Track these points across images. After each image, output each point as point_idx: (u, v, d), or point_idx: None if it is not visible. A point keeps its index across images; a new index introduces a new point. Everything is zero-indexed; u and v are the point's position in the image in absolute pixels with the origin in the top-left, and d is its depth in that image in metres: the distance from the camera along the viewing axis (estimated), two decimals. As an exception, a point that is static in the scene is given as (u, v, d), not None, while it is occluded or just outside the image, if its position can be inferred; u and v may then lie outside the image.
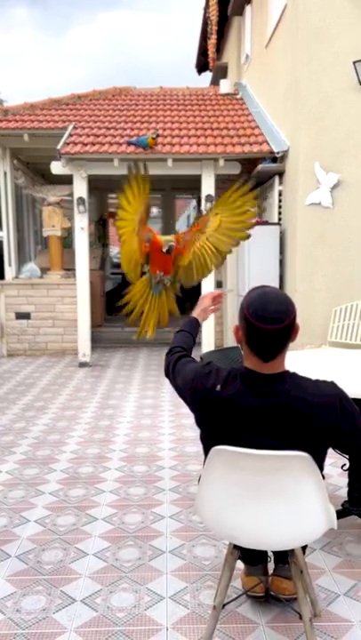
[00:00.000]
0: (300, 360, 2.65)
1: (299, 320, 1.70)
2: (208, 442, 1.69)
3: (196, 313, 2.14)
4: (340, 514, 2.56)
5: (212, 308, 2.17)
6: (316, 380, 1.63)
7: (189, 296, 12.16)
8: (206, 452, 1.70)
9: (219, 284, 7.47)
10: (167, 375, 1.89)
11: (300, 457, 1.50)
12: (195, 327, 2.09)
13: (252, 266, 6.06)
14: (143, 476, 3.30)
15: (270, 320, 1.54)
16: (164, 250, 2.53)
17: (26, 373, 6.25)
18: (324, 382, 1.63)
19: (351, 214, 5.45)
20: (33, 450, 3.79)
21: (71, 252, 7.24)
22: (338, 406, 1.56)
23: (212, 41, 10.56)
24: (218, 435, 1.64)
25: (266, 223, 6.25)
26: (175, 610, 2.05)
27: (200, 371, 1.70)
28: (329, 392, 1.59)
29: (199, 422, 1.72)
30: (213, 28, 10.21)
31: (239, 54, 9.87)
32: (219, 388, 1.61)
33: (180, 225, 14.83)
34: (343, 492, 2.94)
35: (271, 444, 1.57)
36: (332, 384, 1.63)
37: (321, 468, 1.69)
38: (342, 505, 2.63)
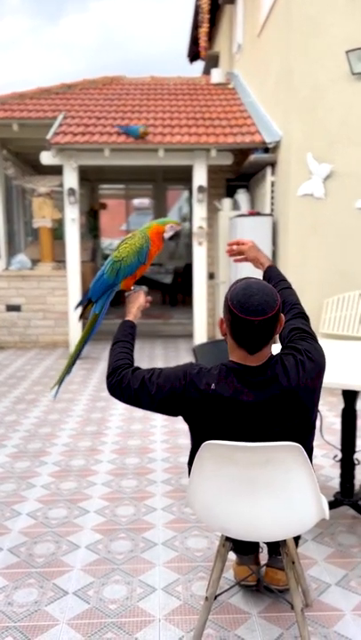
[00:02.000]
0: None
1: None
2: (200, 437, 1.67)
3: (132, 314, 1.97)
4: (333, 504, 2.57)
5: (146, 304, 2.02)
6: (295, 357, 1.64)
7: (181, 287, 12.05)
8: (195, 444, 1.69)
9: (211, 276, 7.46)
10: (133, 395, 1.68)
11: (291, 447, 1.50)
12: (133, 333, 1.92)
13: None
14: (135, 469, 3.30)
15: (255, 312, 1.53)
16: (168, 236, 2.08)
17: (17, 366, 6.21)
18: (299, 355, 1.65)
19: (343, 205, 5.44)
20: (24, 443, 3.77)
21: (62, 244, 7.18)
22: (317, 369, 1.64)
23: (204, 29, 10.46)
24: (209, 428, 1.62)
25: (258, 214, 6.23)
26: (167, 601, 2.06)
27: (190, 371, 1.64)
28: (308, 366, 1.63)
29: (188, 419, 1.68)
30: (205, 16, 10.11)
31: (231, 43, 9.79)
32: (214, 386, 1.58)
33: (172, 216, 14.77)
34: (335, 483, 2.95)
35: (266, 429, 1.58)
36: (305, 354, 1.65)
37: (310, 451, 1.70)
38: (334, 496, 2.64)
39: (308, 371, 1.61)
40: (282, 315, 1.66)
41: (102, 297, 2.05)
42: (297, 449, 1.49)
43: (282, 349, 1.70)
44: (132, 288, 2.02)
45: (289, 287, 2.00)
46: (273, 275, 2.06)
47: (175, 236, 2.18)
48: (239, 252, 2.20)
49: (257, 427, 1.59)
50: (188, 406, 1.63)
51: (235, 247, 2.20)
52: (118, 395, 1.73)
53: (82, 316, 2.16)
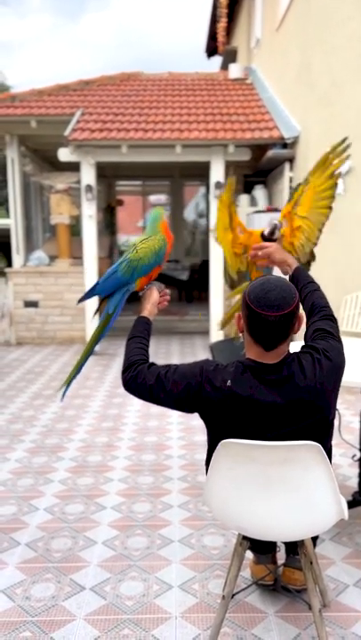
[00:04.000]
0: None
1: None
2: (215, 434, 1.67)
3: (146, 310, 1.93)
4: (351, 504, 2.54)
5: (161, 300, 1.98)
6: (312, 356, 1.62)
7: (197, 283, 12.02)
8: (212, 442, 1.68)
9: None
10: (149, 391, 1.69)
11: (310, 446, 1.48)
12: (147, 329, 1.89)
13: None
14: (152, 465, 3.30)
15: (271, 307, 1.53)
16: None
17: (34, 362, 6.26)
18: (317, 354, 1.63)
19: (362, 201, 5.36)
20: (42, 438, 3.80)
21: (79, 240, 7.21)
22: (335, 369, 1.62)
23: (222, 24, 10.40)
24: (226, 426, 1.61)
25: (276, 210, 6.18)
26: (184, 599, 2.05)
27: (206, 368, 1.63)
28: (325, 364, 1.60)
29: (205, 417, 1.67)
30: (223, 10, 10.04)
31: (249, 38, 9.72)
32: (230, 383, 1.58)
33: (189, 213, 14.74)
34: (353, 482, 2.92)
35: (282, 427, 1.57)
36: (323, 353, 1.63)
37: (329, 451, 1.68)
38: (353, 495, 2.61)
39: (326, 370, 1.59)
40: (302, 312, 1.65)
41: (115, 297, 2.01)
42: (316, 448, 1.48)
43: (301, 348, 1.68)
44: (145, 287, 2.00)
45: (318, 289, 1.93)
46: (301, 277, 1.99)
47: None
48: (265, 256, 2.13)
49: (273, 425, 1.57)
50: (204, 403, 1.62)
51: (260, 253, 2.13)
52: (133, 390, 1.73)
53: (97, 312, 2.13)
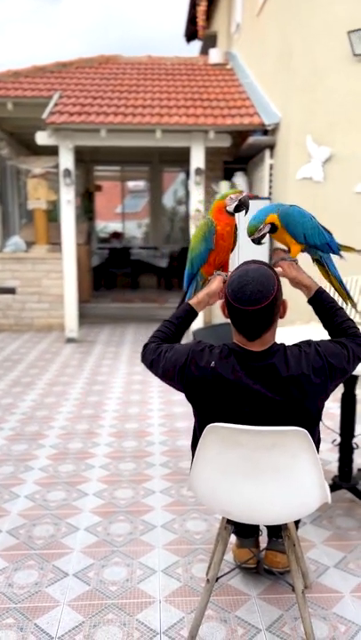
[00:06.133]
0: (290, 335, 2.63)
1: (288, 296, 1.67)
2: (201, 417, 1.67)
3: (196, 298, 1.86)
4: (331, 488, 2.58)
5: (221, 293, 1.86)
6: (300, 348, 1.62)
7: (177, 271, 11.97)
8: (199, 426, 1.69)
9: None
10: (150, 366, 1.75)
11: (297, 432, 1.50)
12: (182, 315, 1.84)
13: (242, 241, 6.00)
14: (133, 452, 3.30)
15: (247, 301, 1.53)
16: (232, 209, 1.88)
17: (12, 349, 6.18)
18: (307, 347, 1.62)
19: (343, 189, 5.39)
20: (21, 426, 3.76)
21: (57, 226, 7.10)
22: (327, 367, 1.59)
23: (202, 8, 10.27)
24: (212, 409, 1.62)
25: (256, 198, 6.17)
26: (168, 583, 2.07)
27: (194, 348, 1.66)
28: (313, 358, 1.59)
29: (192, 399, 1.69)
30: (203, -6, 9.91)
31: (229, 23, 9.62)
32: (213, 364, 1.60)
33: (168, 199, 14.65)
34: (333, 467, 2.97)
35: (265, 414, 1.57)
36: (314, 347, 1.62)
37: (318, 439, 1.70)
38: (333, 479, 2.66)
39: (313, 363, 1.58)
40: (285, 300, 1.65)
41: (189, 290, 2.05)
42: (303, 434, 1.49)
43: (294, 344, 1.68)
44: (214, 274, 1.94)
45: (340, 308, 1.81)
46: (324, 301, 1.81)
47: (242, 207, 1.87)
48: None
49: (258, 412, 1.58)
50: (189, 382, 1.64)
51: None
52: (144, 363, 1.78)
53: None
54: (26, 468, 3.07)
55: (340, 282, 2.05)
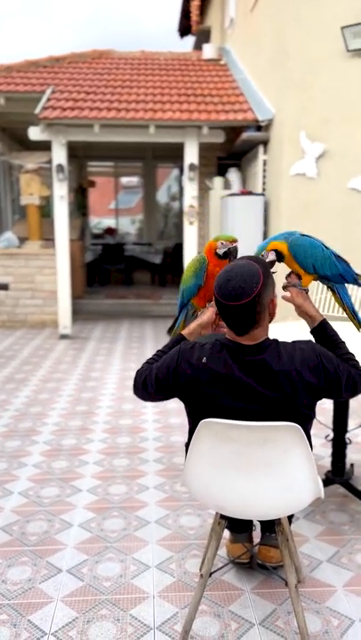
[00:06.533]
0: (282, 332, 2.64)
1: (280, 293, 1.69)
2: (195, 418, 1.67)
3: (187, 328, 1.86)
4: (324, 483, 2.59)
5: (217, 318, 1.85)
6: (294, 344, 1.64)
7: (170, 267, 11.95)
8: (193, 425, 1.69)
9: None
10: (142, 386, 1.72)
11: (290, 427, 1.50)
12: (173, 345, 1.82)
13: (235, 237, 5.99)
14: (127, 448, 3.30)
15: (229, 297, 1.55)
16: (221, 252, 1.94)
17: (5, 345, 6.15)
18: (304, 344, 1.64)
19: (336, 185, 5.40)
20: (15, 422, 3.75)
21: (50, 222, 7.07)
22: (321, 366, 1.59)
23: (196, 2, 10.23)
24: (205, 407, 1.62)
25: (250, 193, 6.18)
26: (161, 578, 2.07)
27: (183, 348, 1.68)
28: (308, 355, 1.60)
29: (186, 400, 1.69)
30: (197, -11, 9.87)
31: (223, 18, 9.60)
32: (205, 360, 1.61)
33: (162, 195, 14.62)
34: (325, 462, 2.98)
35: (258, 409, 1.58)
36: (311, 345, 1.64)
37: (308, 435, 1.70)
38: (325, 474, 2.67)
39: (307, 359, 1.59)
40: (273, 299, 1.66)
41: (180, 317, 2.12)
42: (296, 429, 1.49)
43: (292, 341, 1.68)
44: (207, 305, 1.98)
45: (343, 342, 1.80)
46: (328, 332, 1.80)
47: (230, 255, 1.93)
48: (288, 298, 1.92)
49: (251, 407, 1.59)
50: (182, 382, 1.64)
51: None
52: (136, 389, 1.76)
53: (169, 332, 2.25)
54: (19, 464, 3.06)
55: (353, 311, 2.01)
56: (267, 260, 1.85)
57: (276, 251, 1.88)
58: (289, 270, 1.95)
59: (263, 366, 1.57)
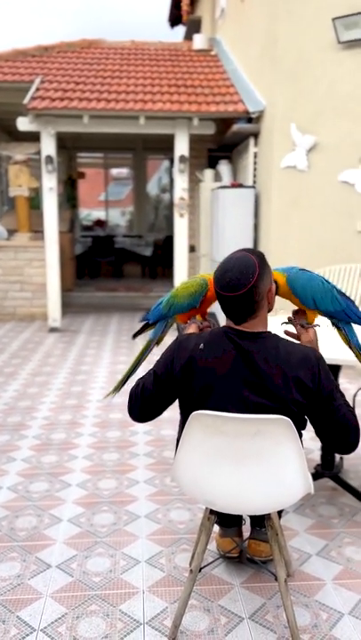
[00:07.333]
0: (272, 324, 2.63)
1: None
2: (188, 405, 1.68)
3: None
4: (313, 476, 2.60)
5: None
6: (295, 344, 1.67)
7: (161, 259, 11.92)
8: (184, 416, 1.69)
9: (192, 249, 7.39)
10: (142, 393, 1.74)
11: (281, 420, 1.50)
12: None
13: (226, 230, 5.99)
14: (117, 442, 3.29)
15: (226, 287, 1.59)
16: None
17: (-6, 338, 6.10)
18: (307, 348, 1.67)
19: (327, 178, 5.39)
20: (3, 416, 3.72)
21: (39, 214, 7.00)
22: (317, 369, 1.60)
23: (186, -8, 10.11)
24: (198, 390, 1.63)
25: (241, 186, 6.15)
26: (151, 573, 2.06)
27: (180, 338, 1.70)
28: (307, 353, 1.62)
29: (183, 392, 1.69)
30: (187, -22, 9.76)
31: (214, 8, 9.51)
32: (202, 346, 1.63)
33: (152, 187, 14.53)
34: (315, 456, 2.99)
35: (250, 395, 1.59)
36: (312, 349, 1.67)
37: (300, 434, 1.70)
38: (315, 468, 2.68)
39: (304, 358, 1.59)
40: (271, 287, 1.69)
41: (157, 326, 2.10)
42: (286, 422, 1.49)
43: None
44: (188, 322, 1.99)
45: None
46: None
47: None
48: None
49: (243, 392, 1.59)
50: (179, 369, 1.64)
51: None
52: (130, 407, 1.80)
53: (135, 336, 2.20)
54: (8, 459, 3.04)
55: (360, 348, 1.95)
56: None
57: (276, 283, 1.85)
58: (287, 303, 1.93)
59: (259, 352, 1.59)
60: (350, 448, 1.66)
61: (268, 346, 1.61)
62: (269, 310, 1.70)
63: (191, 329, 1.91)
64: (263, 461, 1.54)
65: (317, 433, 1.70)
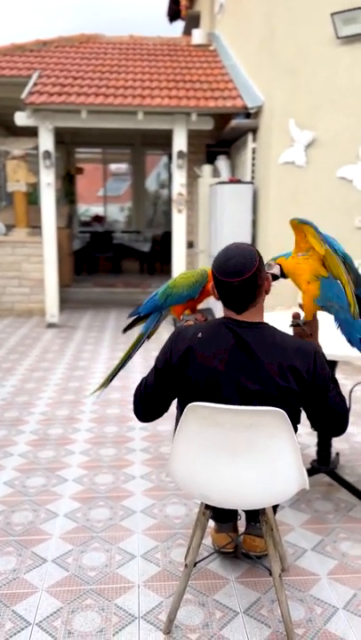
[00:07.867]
0: (270, 321, 2.63)
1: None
2: (185, 395, 1.69)
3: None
4: (309, 472, 2.61)
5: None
6: (294, 337, 1.72)
7: (159, 255, 11.91)
8: (181, 410, 1.71)
9: (190, 245, 7.38)
10: (145, 389, 1.79)
11: (275, 413, 1.51)
12: None
13: (225, 226, 5.98)
14: (114, 437, 3.29)
15: (231, 273, 1.61)
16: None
17: (-8, 334, 6.10)
18: (305, 341, 1.71)
19: (325, 174, 5.38)
20: (0, 411, 3.72)
21: (37, 209, 6.98)
22: (312, 359, 1.63)
23: (185, -13, 10.06)
24: (196, 379, 1.64)
25: (239, 182, 6.14)
26: (146, 568, 2.07)
27: (178, 330, 1.73)
28: (303, 343, 1.68)
29: (181, 384, 1.70)
30: (186, -28, 9.71)
31: (213, 3, 9.46)
32: (200, 334, 1.66)
33: (151, 183, 14.50)
34: (311, 451, 2.99)
35: (255, 389, 1.60)
36: (312, 344, 1.70)
37: (296, 428, 1.70)
38: (311, 463, 2.68)
39: (300, 348, 1.63)
40: (268, 275, 1.74)
41: (150, 318, 2.10)
42: (281, 415, 1.49)
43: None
44: (182, 318, 2.00)
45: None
46: None
47: None
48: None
49: (240, 379, 1.61)
50: (176, 359, 1.66)
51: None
52: (136, 408, 1.83)
53: (125, 330, 2.22)
54: (5, 454, 3.04)
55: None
56: (270, 272, 1.88)
57: (280, 266, 1.89)
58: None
59: (256, 342, 1.62)
60: (339, 432, 1.78)
61: (266, 335, 1.64)
62: (266, 293, 1.72)
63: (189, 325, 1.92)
64: (257, 453, 1.55)
65: (309, 417, 1.77)
